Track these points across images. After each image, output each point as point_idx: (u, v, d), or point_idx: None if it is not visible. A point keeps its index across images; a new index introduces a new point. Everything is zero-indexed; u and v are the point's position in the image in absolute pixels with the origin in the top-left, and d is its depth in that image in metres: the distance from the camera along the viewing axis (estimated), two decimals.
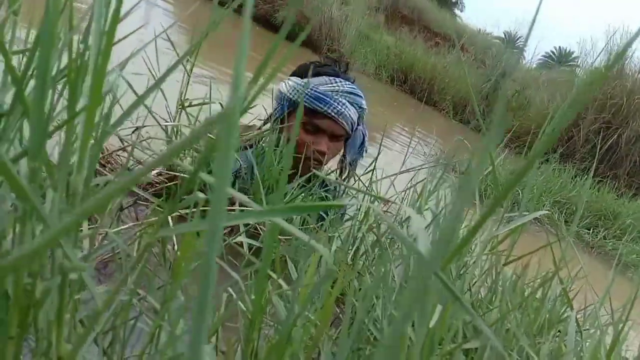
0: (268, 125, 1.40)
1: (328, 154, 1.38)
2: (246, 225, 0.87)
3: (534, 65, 15.21)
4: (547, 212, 0.88)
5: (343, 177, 1.49)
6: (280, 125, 1.25)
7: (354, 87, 1.38)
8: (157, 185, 1.01)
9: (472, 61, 11.23)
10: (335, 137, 1.39)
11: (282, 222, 0.28)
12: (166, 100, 1.14)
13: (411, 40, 10.93)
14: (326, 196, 1.33)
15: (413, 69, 9.08)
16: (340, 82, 1.36)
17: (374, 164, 1.27)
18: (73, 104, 0.35)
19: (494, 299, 0.75)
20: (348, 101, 1.35)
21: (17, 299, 0.33)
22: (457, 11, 30.39)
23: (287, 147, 1.16)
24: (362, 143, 1.51)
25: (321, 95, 1.32)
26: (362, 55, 8.90)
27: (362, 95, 1.41)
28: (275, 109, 1.40)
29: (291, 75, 1.45)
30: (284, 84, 1.40)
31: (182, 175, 1.01)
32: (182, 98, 1.17)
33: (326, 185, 1.42)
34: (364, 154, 1.53)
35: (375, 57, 9.05)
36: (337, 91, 1.34)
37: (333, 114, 1.33)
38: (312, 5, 8.11)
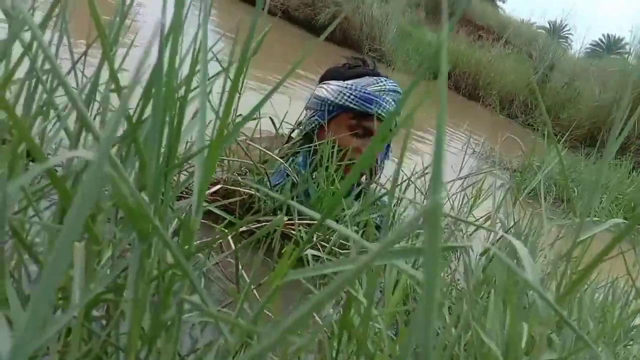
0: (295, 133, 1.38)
1: (377, 156, 1.35)
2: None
3: (582, 55, 14.75)
4: (622, 221, 0.85)
5: (374, 179, 1.42)
6: (316, 141, 1.22)
7: (396, 84, 1.35)
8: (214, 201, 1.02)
9: (518, 54, 10.97)
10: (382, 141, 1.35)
11: (400, 265, 0.29)
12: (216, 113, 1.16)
13: (453, 35, 10.76)
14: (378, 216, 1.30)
15: (457, 64, 8.93)
16: (385, 80, 1.33)
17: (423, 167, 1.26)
18: (173, 151, 0.36)
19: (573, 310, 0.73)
20: (392, 99, 1.31)
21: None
22: (499, 2, 29.73)
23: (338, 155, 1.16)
24: (389, 144, 1.49)
25: (371, 96, 1.28)
26: (404, 53, 8.82)
27: (401, 91, 1.36)
28: (312, 116, 1.36)
29: (322, 80, 1.41)
30: (322, 89, 1.35)
31: (245, 190, 1.03)
32: (235, 114, 1.17)
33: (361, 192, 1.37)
34: (390, 154, 1.50)
35: (417, 54, 8.96)
36: (384, 90, 1.31)
37: (384, 114, 1.29)
38: (352, 5, 8.10)
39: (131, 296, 0.39)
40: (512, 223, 1.07)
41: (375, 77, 1.33)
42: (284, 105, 1.25)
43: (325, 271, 0.30)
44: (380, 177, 1.39)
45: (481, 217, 1.27)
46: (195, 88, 0.42)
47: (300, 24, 7.71)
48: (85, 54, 0.54)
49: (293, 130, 1.40)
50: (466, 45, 9.72)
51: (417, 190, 1.24)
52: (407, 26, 10.04)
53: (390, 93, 1.31)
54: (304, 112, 1.41)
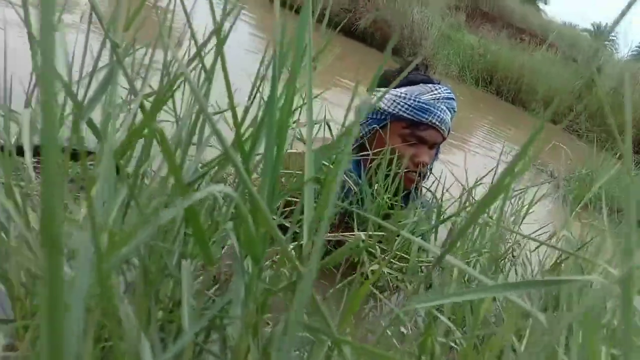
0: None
1: (428, 163, 1.33)
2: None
3: (629, 58, 14.34)
4: None
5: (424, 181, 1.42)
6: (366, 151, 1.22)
7: (450, 91, 1.33)
8: None
9: (561, 57, 10.73)
10: (434, 145, 1.34)
11: (517, 301, 0.30)
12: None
13: (495, 39, 10.61)
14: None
15: (498, 68, 8.79)
16: (440, 88, 1.31)
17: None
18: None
19: None
20: (446, 107, 1.29)
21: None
22: (540, 5, 29.13)
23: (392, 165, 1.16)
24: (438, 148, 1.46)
25: (425, 106, 1.26)
26: (445, 57, 8.74)
27: (455, 98, 1.34)
28: (363, 123, 1.34)
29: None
30: (374, 96, 1.33)
31: None
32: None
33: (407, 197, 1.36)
34: (437, 159, 1.47)
35: (458, 58, 8.86)
36: (438, 99, 1.29)
37: (437, 122, 1.28)
38: (393, 11, 8.08)
39: (240, 318, 0.41)
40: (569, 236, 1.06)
41: (429, 85, 1.31)
42: (321, 112, 1.24)
43: (446, 301, 0.31)
44: (429, 177, 1.38)
45: (539, 231, 1.25)
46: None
47: (337, 27, 7.70)
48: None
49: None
50: (508, 50, 9.55)
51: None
52: (448, 30, 9.95)
53: (445, 101, 1.29)
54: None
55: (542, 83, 8.50)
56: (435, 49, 8.73)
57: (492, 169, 1.21)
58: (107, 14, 0.50)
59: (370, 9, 7.87)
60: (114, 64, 0.50)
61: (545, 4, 29.71)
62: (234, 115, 0.40)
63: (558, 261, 0.90)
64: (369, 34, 7.85)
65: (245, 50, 3.84)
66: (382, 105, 1.29)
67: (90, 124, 0.50)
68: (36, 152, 0.59)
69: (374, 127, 1.31)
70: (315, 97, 0.90)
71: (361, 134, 1.33)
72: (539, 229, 1.25)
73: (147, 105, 0.52)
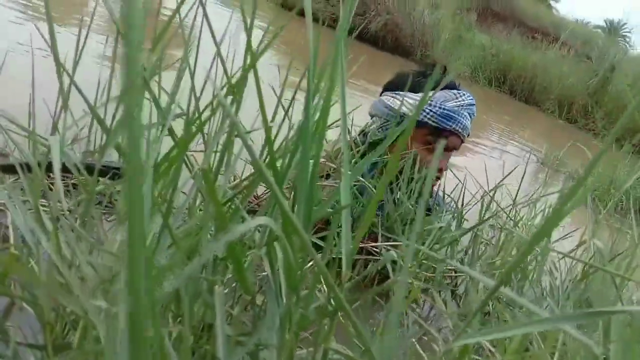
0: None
1: (444, 168, 1.33)
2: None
3: None
4: None
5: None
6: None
7: (471, 97, 1.32)
8: None
9: (575, 55, 10.64)
10: (452, 150, 1.34)
11: (571, 331, 0.28)
12: None
13: (506, 38, 10.54)
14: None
15: (511, 68, 8.72)
16: (463, 94, 1.30)
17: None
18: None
19: None
20: (468, 113, 1.29)
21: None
22: (552, 2, 28.94)
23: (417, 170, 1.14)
24: None
25: (450, 113, 1.25)
26: (457, 59, 8.70)
27: (475, 103, 1.33)
28: (382, 126, 1.31)
29: (388, 87, 1.37)
30: (397, 101, 1.30)
31: None
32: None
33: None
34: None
35: (470, 59, 8.81)
36: (462, 105, 1.28)
37: (459, 129, 1.27)
38: (404, 14, 8.06)
39: (276, 344, 0.40)
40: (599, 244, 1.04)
41: (453, 92, 1.30)
42: (334, 114, 1.22)
43: (496, 336, 0.30)
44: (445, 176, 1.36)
45: (566, 236, 1.23)
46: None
47: (350, 33, 7.70)
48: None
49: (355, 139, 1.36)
50: (520, 49, 9.48)
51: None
52: (459, 31, 9.91)
53: (467, 107, 1.29)
54: (371, 120, 1.37)
55: (555, 82, 8.42)
56: (446, 50, 8.69)
57: (510, 172, 1.19)
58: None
59: (381, 13, 7.86)
60: (143, 86, 0.50)
61: (557, 1, 29.52)
62: (269, 137, 0.39)
63: (588, 271, 0.88)
64: (380, 37, 7.84)
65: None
66: (406, 111, 1.27)
67: (119, 148, 0.50)
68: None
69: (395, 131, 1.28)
70: (349, 113, 0.89)
71: (379, 136, 1.30)
72: (566, 235, 1.23)
73: (176, 126, 0.52)
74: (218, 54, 0.47)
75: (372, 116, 1.37)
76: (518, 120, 6.81)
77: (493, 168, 1.33)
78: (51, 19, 0.46)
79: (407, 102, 1.28)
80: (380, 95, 1.38)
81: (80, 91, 0.48)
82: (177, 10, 0.49)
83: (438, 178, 1.33)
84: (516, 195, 1.16)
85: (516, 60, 8.83)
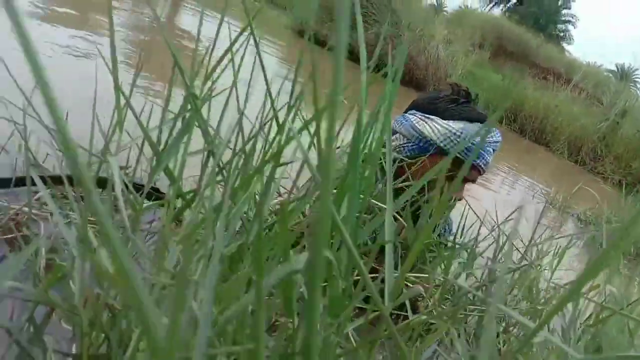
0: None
1: (458, 197, 1.31)
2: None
3: None
4: None
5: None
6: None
7: (499, 134, 1.30)
8: None
9: (586, 97, 10.71)
10: (469, 182, 1.33)
11: None
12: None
13: (518, 77, 10.64)
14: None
15: (523, 107, 8.79)
16: (494, 131, 1.27)
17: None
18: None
19: None
20: (493, 149, 1.27)
21: None
22: (564, 44, 29.23)
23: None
24: None
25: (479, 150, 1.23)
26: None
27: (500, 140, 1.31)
28: (403, 145, 1.29)
29: (416, 106, 1.32)
30: (426, 125, 1.27)
31: None
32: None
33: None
34: None
35: (482, 96, 8.87)
36: (490, 142, 1.26)
37: (482, 165, 1.26)
38: (418, 47, 8.17)
39: None
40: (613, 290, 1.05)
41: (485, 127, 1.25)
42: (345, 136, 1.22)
43: None
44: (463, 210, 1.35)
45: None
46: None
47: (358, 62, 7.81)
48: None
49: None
50: (532, 89, 9.57)
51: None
52: (472, 67, 10.02)
53: (494, 144, 1.27)
54: (393, 136, 1.33)
55: (566, 123, 8.47)
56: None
57: (517, 209, 1.20)
58: (187, 66, 0.53)
59: (396, 47, 7.97)
60: (191, 114, 0.53)
61: (569, 44, 29.79)
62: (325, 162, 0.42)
63: (600, 315, 0.90)
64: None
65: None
66: (432, 137, 1.24)
67: (168, 171, 0.53)
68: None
69: (417, 155, 1.25)
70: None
71: (400, 156, 1.26)
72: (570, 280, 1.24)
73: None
74: (268, 91, 0.50)
75: (394, 132, 1.33)
76: (527, 159, 6.84)
77: (500, 204, 1.35)
78: (114, 48, 0.49)
79: (434, 127, 1.25)
80: (406, 111, 1.35)
81: (134, 113, 0.51)
82: (229, 48, 0.52)
83: (451, 207, 1.32)
84: (532, 235, 1.17)
85: (527, 100, 8.90)
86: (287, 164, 0.55)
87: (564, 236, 1.23)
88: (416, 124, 1.27)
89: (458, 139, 1.23)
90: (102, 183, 0.92)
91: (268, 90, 0.53)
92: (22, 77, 0.77)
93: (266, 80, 0.51)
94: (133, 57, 2.82)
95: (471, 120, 1.25)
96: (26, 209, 0.97)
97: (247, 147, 0.55)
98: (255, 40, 0.50)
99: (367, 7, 8.17)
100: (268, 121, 0.53)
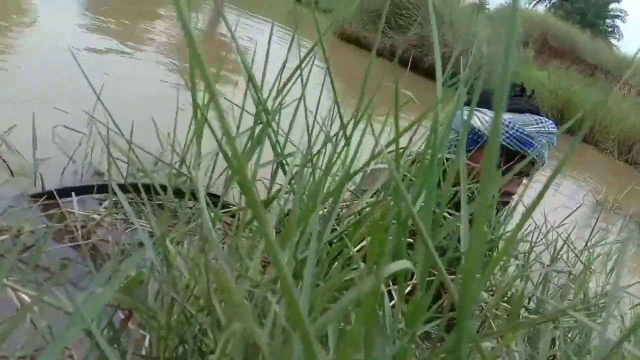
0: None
1: (515, 193, 1.29)
2: None
3: None
4: None
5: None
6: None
7: (554, 126, 1.26)
8: None
9: (636, 94, 10.35)
10: (524, 175, 1.30)
11: None
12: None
13: (564, 74, 10.37)
14: None
15: (570, 105, 8.57)
16: (546, 122, 1.24)
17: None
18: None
19: None
20: (547, 141, 1.24)
21: None
22: (613, 40, 28.31)
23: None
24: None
25: (527, 139, 1.21)
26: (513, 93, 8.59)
27: (556, 132, 1.28)
28: (453, 140, 1.27)
29: (465, 102, 1.28)
30: (476, 117, 1.27)
31: None
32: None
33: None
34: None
35: (528, 88, 8.68)
36: (541, 132, 1.23)
37: (534, 156, 1.23)
38: (462, 47, 8.07)
39: None
40: None
41: (535, 117, 1.25)
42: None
43: None
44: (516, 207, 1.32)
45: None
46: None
47: (406, 65, 7.79)
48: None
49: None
50: (580, 86, 9.30)
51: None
52: (517, 66, 9.82)
53: (547, 135, 1.24)
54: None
55: (615, 121, 8.20)
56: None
57: (573, 212, 1.18)
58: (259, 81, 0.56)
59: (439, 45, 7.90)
60: (264, 126, 0.55)
61: (618, 40, 28.84)
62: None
63: None
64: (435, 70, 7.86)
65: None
66: (481, 127, 1.24)
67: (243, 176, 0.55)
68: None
69: (470, 149, 1.25)
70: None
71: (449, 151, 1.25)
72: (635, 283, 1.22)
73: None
74: (338, 111, 0.51)
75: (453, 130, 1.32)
76: (576, 158, 6.66)
77: (548, 206, 1.33)
78: (194, 75, 0.52)
79: (484, 119, 1.25)
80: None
81: (211, 127, 0.54)
82: (299, 65, 0.54)
83: (505, 203, 1.28)
84: (589, 239, 1.15)
85: (575, 98, 8.66)
86: (358, 172, 0.57)
87: (621, 240, 1.20)
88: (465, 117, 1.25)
89: (506, 128, 1.21)
90: (180, 193, 0.96)
91: (336, 102, 0.55)
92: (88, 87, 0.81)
93: (335, 94, 0.53)
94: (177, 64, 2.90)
95: (521, 111, 1.25)
96: (96, 215, 1.02)
97: (316, 158, 0.57)
98: (329, 70, 0.52)
99: (408, 7, 8.13)
100: (335, 135, 0.55)
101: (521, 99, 1.30)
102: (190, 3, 0.39)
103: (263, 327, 0.37)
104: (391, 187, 0.52)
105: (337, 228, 0.55)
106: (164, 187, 0.99)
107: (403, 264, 0.33)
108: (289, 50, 0.58)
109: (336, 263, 0.57)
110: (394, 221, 0.42)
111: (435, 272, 0.39)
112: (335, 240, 0.58)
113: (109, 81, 1.58)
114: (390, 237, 0.41)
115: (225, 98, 0.74)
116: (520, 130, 1.21)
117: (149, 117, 1.27)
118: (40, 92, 1.69)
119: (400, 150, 0.64)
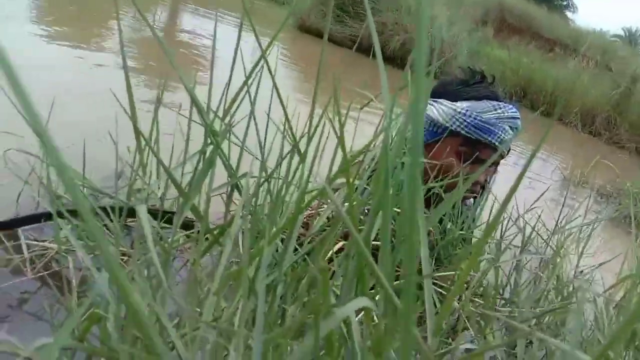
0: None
1: (480, 182, 1.27)
2: None
3: None
4: None
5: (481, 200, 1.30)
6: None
7: (515, 110, 1.24)
8: None
9: (595, 66, 10.56)
10: (492, 165, 1.28)
11: None
12: None
13: (524, 51, 10.50)
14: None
15: (532, 82, 8.68)
16: (504, 106, 1.22)
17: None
18: None
19: None
20: (509, 126, 1.22)
21: None
22: (568, 13, 28.81)
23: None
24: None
25: (486, 125, 1.19)
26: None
27: (519, 116, 1.25)
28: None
29: (432, 95, 1.29)
30: (432, 107, 1.25)
31: None
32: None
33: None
34: (495, 177, 1.37)
35: (489, 74, 8.78)
36: (501, 118, 1.21)
37: (497, 143, 1.21)
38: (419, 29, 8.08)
39: None
40: None
41: (494, 102, 1.23)
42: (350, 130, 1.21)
43: None
44: (487, 197, 1.29)
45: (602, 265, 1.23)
46: None
47: (366, 53, 7.79)
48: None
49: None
50: (540, 62, 9.44)
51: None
52: (477, 45, 9.92)
53: (508, 120, 1.22)
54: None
55: (577, 95, 8.35)
56: (465, 66, 8.68)
57: (542, 195, 1.18)
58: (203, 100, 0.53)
59: (399, 32, 7.92)
60: (213, 150, 0.52)
61: (573, 12, 29.36)
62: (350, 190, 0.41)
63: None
64: (398, 57, 7.88)
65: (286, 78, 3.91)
66: (439, 119, 1.23)
67: (194, 208, 0.53)
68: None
69: (430, 142, 1.24)
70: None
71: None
72: (603, 263, 1.23)
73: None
74: (287, 120, 0.49)
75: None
76: (540, 134, 6.76)
77: (520, 187, 1.33)
78: (131, 92, 0.49)
79: (440, 108, 1.23)
80: None
81: (157, 157, 0.51)
82: (245, 81, 0.52)
83: (473, 192, 1.27)
84: (558, 220, 1.16)
85: (535, 74, 8.78)
86: (313, 196, 0.54)
87: (590, 222, 1.21)
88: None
89: (464, 117, 1.20)
90: (132, 212, 0.92)
91: (287, 119, 0.52)
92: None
93: (285, 111, 0.51)
94: (136, 58, 2.83)
95: (479, 98, 1.23)
96: (54, 245, 0.98)
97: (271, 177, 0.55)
98: (271, 73, 0.49)
99: None
100: (287, 154, 0.53)
101: (480, 86, 1.28)
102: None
103: None
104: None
105: (299, 249, 0.53)
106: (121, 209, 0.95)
107: (361, 303, 0.31)
108: (235, 52, 0.55)
109: (302, 281, 0.55)
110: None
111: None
112: (299, 260, 0.56)
113: (58, 94, 1.51)
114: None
115: (178, 112, 0.71)
116: (478, 118, 1.20)
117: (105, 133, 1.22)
118: None
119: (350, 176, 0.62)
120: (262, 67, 0.53)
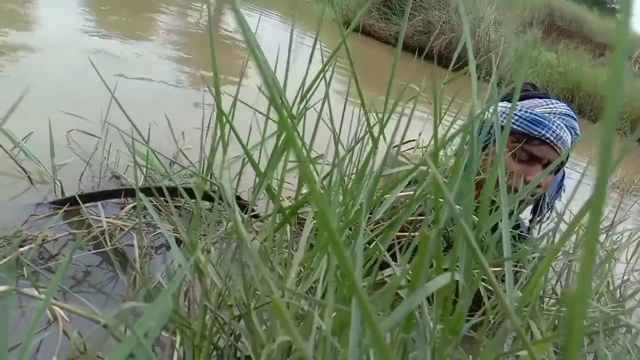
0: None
1: (542, 185, 1.23)
2: None
3: None
4: None
5: (538, 219, 1.30)
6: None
7: (569, 108, 1.21)
8: None
9: None
10: (548, 163, 1.21)
11: None
12: None
13: (574, 55, 10.24)
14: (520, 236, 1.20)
15: (580, 87, 8.46)
16: (556, 103, 1.20)
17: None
18: None
19: None
20: (564, 124, 1.18)
21: None
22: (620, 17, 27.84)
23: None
24: (562, 180, 1.35)
25: (538, 118, 1.16)
26: (523, 77, 8.50)
27: (577, 118, 1.22)
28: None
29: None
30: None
31: None
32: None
33: (517, 226, 1.27)
34: (562, 194, 1.35)
35: (537, 77, 8.62)
36: (553, 113, 1.18)
37: (552, 138, 1.16)
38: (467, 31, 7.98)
39: None
40: None
41: (545, 99, 1.21)
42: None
43: None
44: (548, 218, 1.28)
45: None
46: None
47: (412, 51, 7.74)
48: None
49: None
50: (589, 67, 9.19)
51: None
52: (524, 47, 9.72)
53: (561, 116, 1.18)
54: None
55: (627, 101, 8.09)
56: (512, 68, 8.54)
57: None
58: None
59: (445, 32, 7.84)
60: (290, 131, 0.54)
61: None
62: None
63: None
64: (443, 56, 7.81)
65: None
66: (493, 119, 1.20)
67: (269, 189, 0.55)
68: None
69: (484, 143, 1.18)
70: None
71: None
72: None
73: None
74: (363, 106, 0.51)
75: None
76: (587, 140, 6.58)
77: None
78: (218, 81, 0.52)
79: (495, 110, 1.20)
80: None
81: (237, 135, 0.53)
82: (322, 69, 0.54)
83: (533, 194, 1.23)
84: (611, 225, 1.14)
85: (585, 79, 8.56)
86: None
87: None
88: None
89: (515, 112, 1.17)
90: (207, 197, 0.96)
91: (363, 105, 0.54)
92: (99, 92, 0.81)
93: (361, 96, 0.53)
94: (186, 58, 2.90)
95: (529, 97, 1.23)
96: (117, 221, 1.03)
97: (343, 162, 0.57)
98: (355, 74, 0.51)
99: None
100: (363, 137, 0.54)
101: (527, 91, 1.27)
102: None
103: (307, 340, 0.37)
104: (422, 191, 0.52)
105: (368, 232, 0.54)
106: (188, 191, 0.99)
107: (446, 278, 0.33)
108: (289, 51, 0.57)
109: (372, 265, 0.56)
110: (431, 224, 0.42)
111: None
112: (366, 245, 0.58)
113: (119, 81, 1.57)
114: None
115: (246, 104, 0.73)
116: (528, 111, 1.18)
117: (162, 116, 1.27)
118: (51, 98, 1.69)
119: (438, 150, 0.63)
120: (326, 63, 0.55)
